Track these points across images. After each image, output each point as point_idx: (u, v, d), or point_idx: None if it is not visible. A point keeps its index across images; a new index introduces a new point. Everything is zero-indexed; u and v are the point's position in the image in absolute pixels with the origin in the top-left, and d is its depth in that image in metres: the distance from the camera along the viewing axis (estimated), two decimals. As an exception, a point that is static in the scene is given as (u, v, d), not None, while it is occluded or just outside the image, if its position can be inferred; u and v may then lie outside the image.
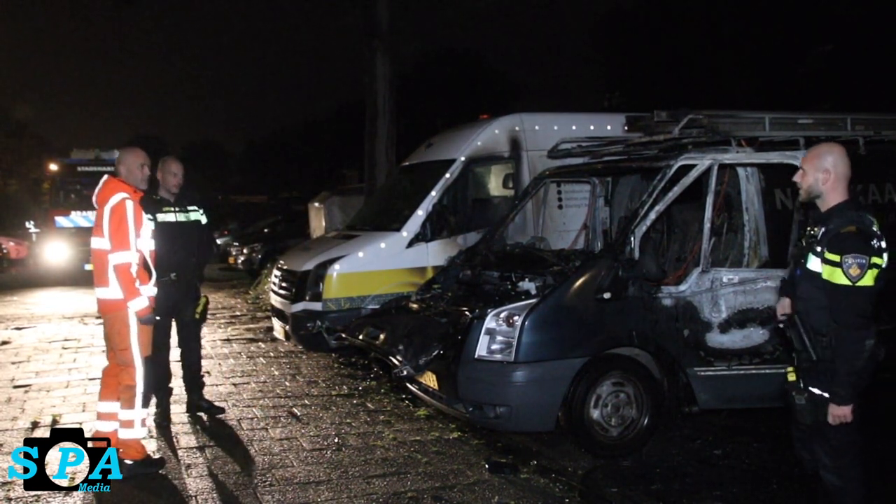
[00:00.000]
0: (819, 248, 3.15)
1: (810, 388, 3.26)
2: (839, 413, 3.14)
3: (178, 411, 5.66)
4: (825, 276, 3.10)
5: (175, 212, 5.48)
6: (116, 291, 4.31)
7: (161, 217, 5.35)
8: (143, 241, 4.44)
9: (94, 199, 4.43)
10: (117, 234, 4.26)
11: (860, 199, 3.17)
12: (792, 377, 3.38)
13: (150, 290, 4.51)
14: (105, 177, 4.54)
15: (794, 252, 4.06)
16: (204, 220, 5.70)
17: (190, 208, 5.58)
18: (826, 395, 3.18)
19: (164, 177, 5.47)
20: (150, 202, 5.33)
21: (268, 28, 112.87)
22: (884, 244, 3.11)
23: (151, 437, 5.16)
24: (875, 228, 3.14)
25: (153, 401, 5.31)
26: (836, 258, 3.05)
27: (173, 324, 5.59)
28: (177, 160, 5.58)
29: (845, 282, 3.02)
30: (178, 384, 5.78)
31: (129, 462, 4.30)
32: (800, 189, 3.34)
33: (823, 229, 3.18)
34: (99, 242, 4.36)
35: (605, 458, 4.78)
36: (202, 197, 5.93)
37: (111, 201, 4.31)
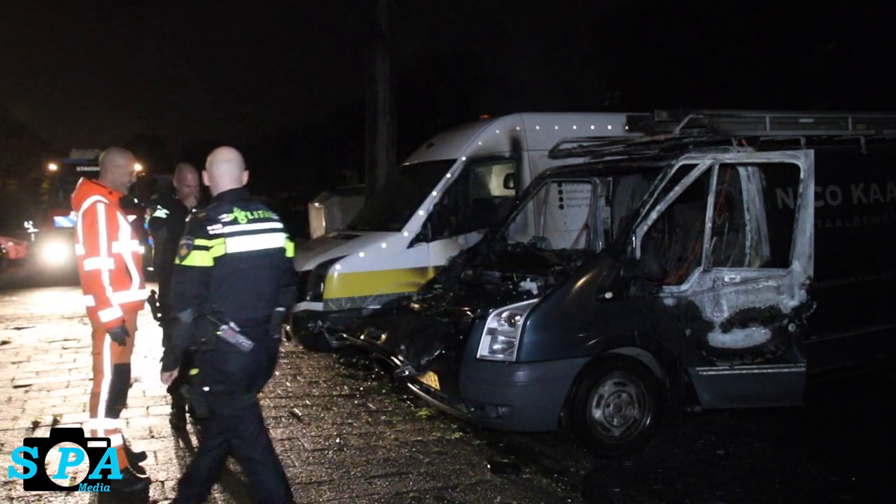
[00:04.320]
0: None
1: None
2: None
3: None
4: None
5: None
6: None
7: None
8: (123, 243, 4.25)
9: (72, 202, 4.29)
10: (88, 239, 4.10)
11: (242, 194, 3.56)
12: (194, 371, 3.47)
13: (131, 295, 4.30)
14: (80, 179, 4.39)
15: None
16: None
17: None
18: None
19: (178, 187, 5.39)
20: (179, 209, 5.30)
21: (268, 28, 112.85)
22: (224, 230, 3.34)
23: (153, 437, 5.16)
24: (224, 216, 3.37)
25: (167, 404, 5.29)
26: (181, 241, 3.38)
27: None
28: (193, 170, 5.36)
29: (177, 261, 3.33)
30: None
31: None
32: None
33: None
34: (79, 248, 4.20)
35: (608, 458, 4.77)
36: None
37: (83, 205, 4.16)
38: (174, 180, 5.48)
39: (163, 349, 3.44)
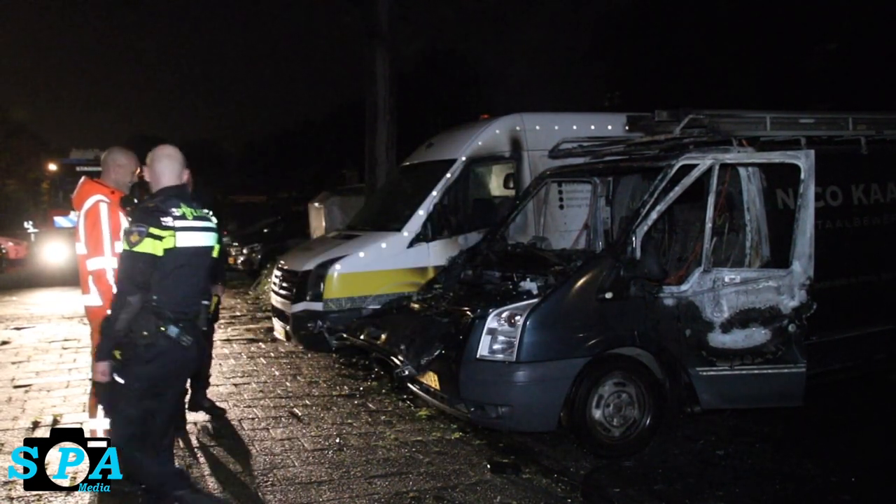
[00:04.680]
0: None
1: None
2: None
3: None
4: None
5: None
6: (97, 298, 4.17)
7: None
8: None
9: (72, 202, 4.31)
10: (91, 239, 4.11)
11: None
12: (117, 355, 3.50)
13: None
14: (82, 178, 4.39)
15: None
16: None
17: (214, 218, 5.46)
18: None
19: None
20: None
21: (268, 28, 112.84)
22: (175, 223, 3.40)
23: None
24: (174, 210, 3.44)
25: None
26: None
27: None
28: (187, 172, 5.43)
29: (126, 247, 3.37)
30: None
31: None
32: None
33: None
34: (79, 248, 4.22)
35: (608, 458, 4.77)
36: (212, 200, 5.75)
37: (86, 204, 4.16)
38: None
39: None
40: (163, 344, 3.39)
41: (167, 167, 3.63)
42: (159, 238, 3.35)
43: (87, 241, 4.13)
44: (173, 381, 3.60)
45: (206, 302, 3.70)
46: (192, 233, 3.51)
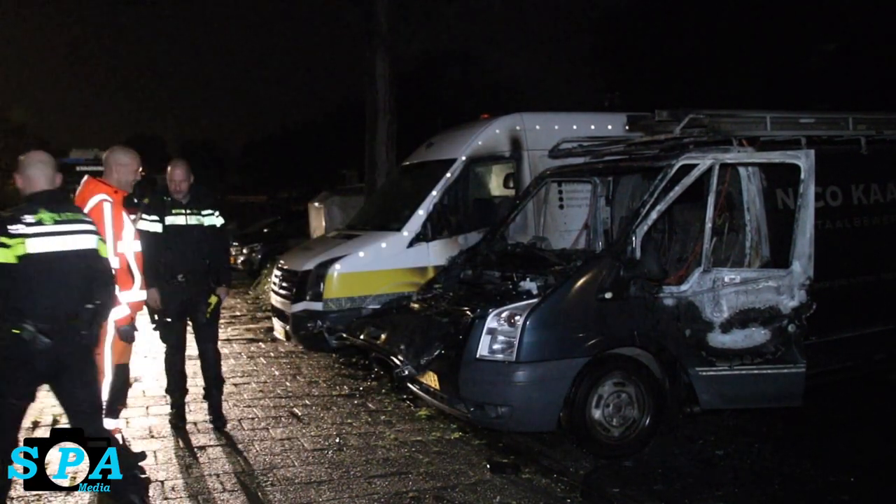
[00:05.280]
0: None
1: None
2: None
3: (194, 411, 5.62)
4: None
5: (186, 214, 5.31)
6: None
7: (170, 220, 5.24)
8: (126, 243, 4.27)
9: (74, 200, 4.30)
10: None
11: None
12: None
13: (132, 295, 4.34)
14: (85, 177, 4.41)
15: None
16: (219, 223, 5.51)
17: (205, 212, 5.40)
18: None
19: (168, 181, 5.35)
20: (160, 203, 5.26)
21: (267, 27, 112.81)
22: (26, 230, 3.41)
23: (153, 437, 5.16)
24: (28, 217, 3.44)
25: (166, 404, 5.30)
26: None
27: (188, 327, 5.51)
28: (180, 165, 5.36)
29: None
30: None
31: None
32: None
33: None
34: None
35: (607, 458, 4.77)
36: (216, 200, 5.72)
37: (89, 203, 4.19)
38: (167, 176, 5.40)
39: None
40: (17, 347, 3.38)
41: (40, 173, 3.63)
42: (6, 246, 3.37)
43: None
44: (12, 382, 3.51)
45: (89, 305, 3.61)
46: (51, 238, 3.49)
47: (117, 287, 4.07)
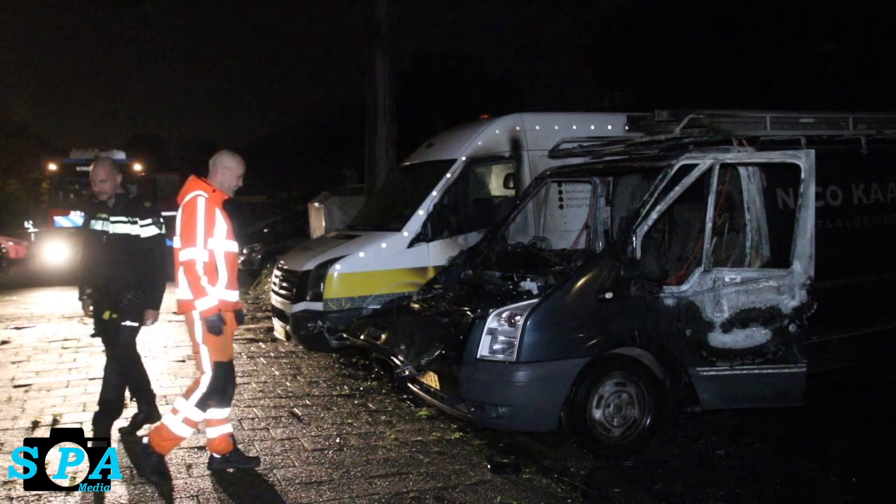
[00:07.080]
0: None
1: None
2: None
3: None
4: None
5: (104, 220, 4.92)
6: (187, 291, 4.20)
7: (92, 223, 5.02)
8: (217, 241, 4.26)
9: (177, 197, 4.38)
10: (185, 231, 4.17)
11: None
12: None
13: (220, 292, 4.29)
14: (190, 176, 4.47)
15: None
16: (153, 232, 4.96)
17: (142, 222, 4.92)
18: None
19: (91, 181, 4.94)
20: (89, 205, 5.14)
21: (268, 28, 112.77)
22: None
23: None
24: None
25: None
26: None
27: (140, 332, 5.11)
28: (105, 165, 4.95)
29: None
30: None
31: (156, 452, 4.25)
32: None
33: None
34: (175, 241, 4.29)
35: (608, 458, 4.77)
36: (157, 210, 5.12)
37: (186, 198, 4.27)
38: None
39: None
40: None
41: None
42: None
43: (180, 233, 4.21)
44: None
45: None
46: None
47: (205, 279, 4.12)
